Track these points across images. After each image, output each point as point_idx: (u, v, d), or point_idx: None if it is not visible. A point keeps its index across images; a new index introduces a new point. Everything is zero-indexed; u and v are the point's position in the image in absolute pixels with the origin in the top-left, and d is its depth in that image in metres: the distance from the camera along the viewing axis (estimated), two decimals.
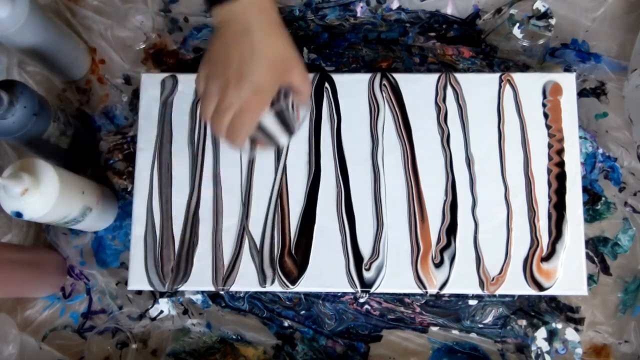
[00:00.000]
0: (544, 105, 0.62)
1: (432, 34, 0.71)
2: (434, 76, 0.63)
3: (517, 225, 0.59)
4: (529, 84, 0.62)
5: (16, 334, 0.63)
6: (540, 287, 0.58)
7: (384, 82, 0.63)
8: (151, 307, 0.65)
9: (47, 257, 0.65)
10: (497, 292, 0.58)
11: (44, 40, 0.63)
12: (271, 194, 0.61)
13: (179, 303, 0.65)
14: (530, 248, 0.59)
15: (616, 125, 0.68)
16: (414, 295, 0.64)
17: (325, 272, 0.59)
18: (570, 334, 0.61)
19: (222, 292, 0.65)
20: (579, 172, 0.60)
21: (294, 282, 0.59)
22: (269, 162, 0.61)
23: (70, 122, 0.63)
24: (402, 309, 0.64)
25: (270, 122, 0.49)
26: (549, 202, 0.60)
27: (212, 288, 0.59)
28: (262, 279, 0.59)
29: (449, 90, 0.63)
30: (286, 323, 0.65)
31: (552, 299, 0.64)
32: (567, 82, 0.62)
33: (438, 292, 0.58)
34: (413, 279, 0.58)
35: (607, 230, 0.66)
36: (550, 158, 0.61)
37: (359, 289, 0.58)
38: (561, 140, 0.61)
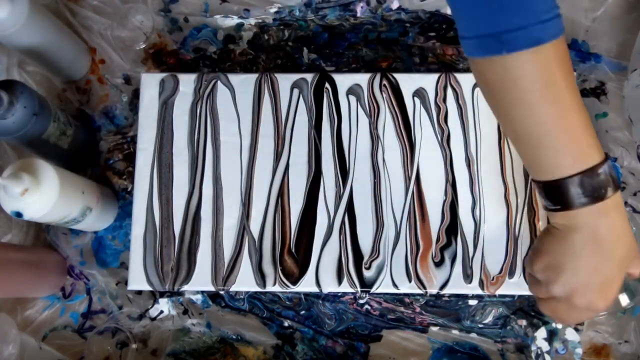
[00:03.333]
0: None
1: (432, 34, 0.71)
2: (434, 76, 0.63)
3: (517, 225, 0.59)
4: None
5: (16, 334, 0.63)
6: None
7: (384, 82, 0.63)
8: (151, 307, 0.65)
9: (47, 257, 0.65)
10: (497, 292, 0.58)
11: (44, 40, 0.63)
12: (271, 193, 0.61)
13: (179, 303, 0.65)
14: (529, 248, 0.59)
15: (616, 125, 0.68)
16: (414, 295, 0.64)
17: (326, 272, 0.59)
18: (570, 334, 0.61)
19: (222, 292, 0.65)
20: None
21: (295, 282, 0.59)
22: (268, 162, 0.61)
23: (70, 122, 0.63)
24: (402, 309, 0.64)
25: None
26: None
27: (212, 288, 0.59)
28: (263, 279, 0.59)
29: (449, 90, 0.63)
30: (286, 323, 0.65)
31: None
32: None
33: (438, 292, 0.58)
34: (413, 278, 0.58)
35: None
36: None
37: (358, 289, 0.58)
38: None
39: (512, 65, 0.39)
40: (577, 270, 0.43)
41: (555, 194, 0.43)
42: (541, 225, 0.59)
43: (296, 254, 0.59)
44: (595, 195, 0.41)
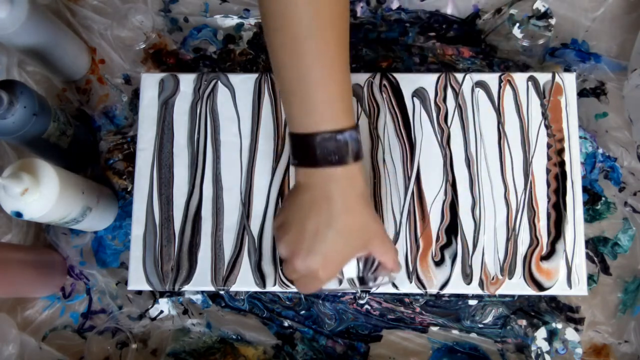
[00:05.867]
0: (544, 105, 0.62)
1: (432, 34, 0.71)
2: (434, 76, 0.63)
3: (517, 225, 0.59)
4: (529, 84, 0.62)
5: (16, 334, 0.63)
6: (540, 287, 0.58)
7: (384, 82, 0.63)
8: (151, 307, 0.65)
9: (47, 257, 0.65)
10: (497, 292, 0.58)
11: (44, 40, 0.63)
12: (271, 193, 0.61)
13: (179, 303, 0.65)
14: (530, 248, 0.59)
15: (616, 125, 0.68)
16: (414, 295, 0.64)
17: None
18: (570, 334, 0.61)
19: (222, 292, 0.65)
20: (579, 172, 0.60)
21: None
22: (268, 162, 0.61)
23: (70, 122, 0.63)
24: (402, 309, 0.64)
25: (334, 285, 0.54)
26: (549, 201, 0.60)
27: (212, 288, 0.59)
28: (262, 279, 0.59)
29: (449, 90, 0.63)
30: (286, 323, 0.65)
31: (552, 299, 0.64)
32: (567, 82, 0.62)
33: (438, 292, 0.58)
34: (413, 279, 0.58)
35: (607, 230, 0.66)
36: (549, 158, 0.61)
37: (359, 289, 0.58)
38: (561, 140, 0.61)
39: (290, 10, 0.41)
40: (302, 232, 0.44)
41: (298, 148, 0.45)
42: (541, 225, 0.59)
43: None
44: (329, 159, 0.43)
